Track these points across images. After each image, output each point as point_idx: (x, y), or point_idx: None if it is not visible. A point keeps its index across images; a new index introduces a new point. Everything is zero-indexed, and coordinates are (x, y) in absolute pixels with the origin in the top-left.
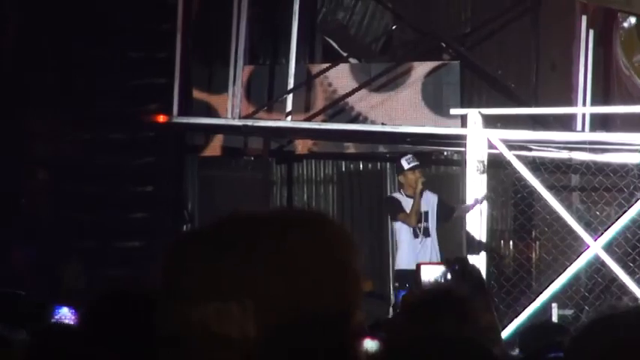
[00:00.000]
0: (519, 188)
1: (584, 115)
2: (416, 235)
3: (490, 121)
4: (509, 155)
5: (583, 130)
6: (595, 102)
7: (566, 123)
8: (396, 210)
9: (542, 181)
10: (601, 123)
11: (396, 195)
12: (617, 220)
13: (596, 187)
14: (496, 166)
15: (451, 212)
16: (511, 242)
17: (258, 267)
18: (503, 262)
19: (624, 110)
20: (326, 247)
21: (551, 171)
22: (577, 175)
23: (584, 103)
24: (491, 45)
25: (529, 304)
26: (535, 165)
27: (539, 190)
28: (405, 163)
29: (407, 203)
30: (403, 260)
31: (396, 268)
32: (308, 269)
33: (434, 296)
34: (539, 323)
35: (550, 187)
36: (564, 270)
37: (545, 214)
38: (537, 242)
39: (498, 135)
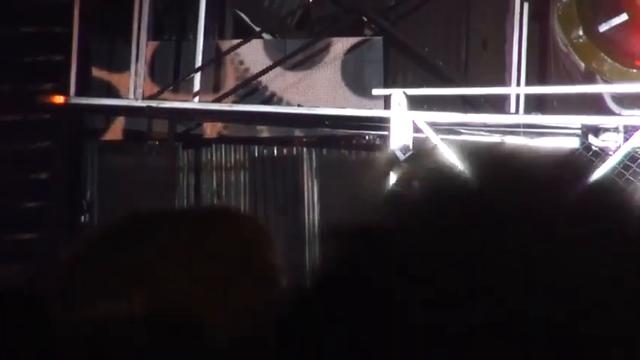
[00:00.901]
0: None
1: (518, 96)
2: None
3: (416, 103)
4: (437, 139)
5: (517, 112)
6: (530, 82)
7: (498, 104)
8: None
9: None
10: (537, 104)
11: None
12: None
13: None
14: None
15: None
16: None
17: (160, 265)
18: None
19: (562, 90)
20: (236, 244)
21: None
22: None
23: (518, 83)
24: (418, 20)
25: None
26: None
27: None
28: (399, 154)
29: None
30: None
31: None
32: (216, 268)
33: None
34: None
35: None
36: None
37: None
38: None
39: (425, 117)
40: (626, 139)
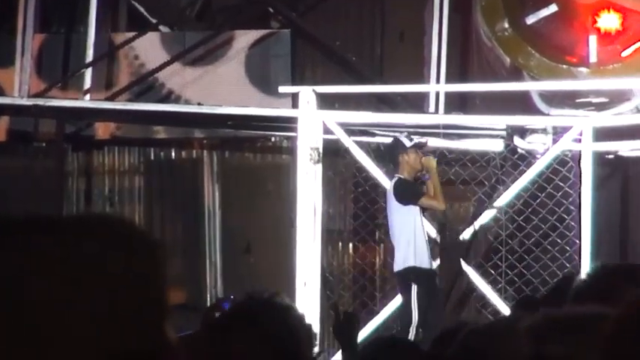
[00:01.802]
0: (360, 181)
1: (437, 94)
2: (423, 227)
3: (326, 101)
4: (349, 141)
5: (436, 111)
6: (451, 78)
7: (416, 103)
8: (416, 193)
9: (387, 173)
10: (458, 103)
11: (403, 178)
12: (475, 218)
13: (452, 180)
14: (333, 154)
15: None
16: (350, 245)
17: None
18: (341, 269)
19: (485, 88)
20: (125, 260)
21: None
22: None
23: (437, 80)
24: (328, 11)
25: (371, 319)
26: (380, 153)
27: (383, 183)
28: (406, 140)
29: None
30: (410, 257)
31: (397, 269)
32: (101, 286)
33: None
34: (386, 340)
35: None
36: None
37: None
38: (382, 245)
39: (336, 117)
40: (554, 141)
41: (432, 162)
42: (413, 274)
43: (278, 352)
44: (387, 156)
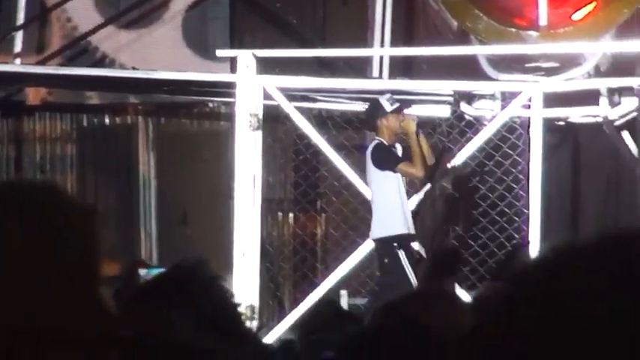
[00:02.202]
0: (301, 148)
1: (381, 59)
2: (401, 193)
3: (267, 66)
4: (289, 107)
5: (381, 76)
6: (396, 42)
7: (360, 68)
8: (394, 159)
9: (329, 140)
10: (403, 68)
11: (381, 143)
12: (422, 187)
13: None
14: (273, 120)
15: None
16: (291, 215)
17: None
18: (281, 240)
19: (431, 52)
20: (56, 228)
21: (342, 127)
22: (372, 132)
23: (381, 44)
24: None
25: (312, 291)
26: (321, 119)
27: (325, 150)
28: (386, 104)
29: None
30: (390, 225)
31: (381, 235)
32: (30, 256)
33: None
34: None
35: (340, 147)
36: (356, 249)
37: (333, 180)
38: (323, 215)
39: (276, 82)
40: (503, 107)
41: (412, 125)
42: (400, 241)
43: (202, 321)
44: (366, 118)
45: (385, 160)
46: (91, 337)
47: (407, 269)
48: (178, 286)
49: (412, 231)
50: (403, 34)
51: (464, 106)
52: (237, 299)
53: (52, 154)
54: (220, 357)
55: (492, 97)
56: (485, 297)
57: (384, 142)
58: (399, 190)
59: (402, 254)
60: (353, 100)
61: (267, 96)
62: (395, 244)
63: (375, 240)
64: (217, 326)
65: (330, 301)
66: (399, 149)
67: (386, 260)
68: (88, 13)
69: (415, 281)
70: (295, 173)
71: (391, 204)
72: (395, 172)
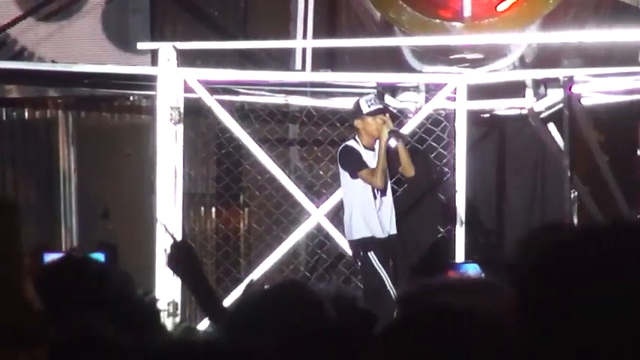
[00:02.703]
0: (224, 142)
1: (304, 51)
2: (374, 195)
3: (188, 59)
4: (211, 100)
5: (303, 69)
6: (318, 34)
7: (282, 60)
8: (356, 164)
9: (252, 133)
10: (326, 60)
11: (352, 144)
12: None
13: (320, 141)
14: (195, 114)
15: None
16: (213, 209)
17: None
18: (204, 234)
19: (354, 44)
20: None
21: (264, 120)
22: (296, 125)
23: (304, 36)
24: None
25: (236, 287)
26: (244, 113)
27: (247, 144)
28: (364, 105)
29: (367, 156)
30: (360, 227)
31: (349, 238)
32: None
33: None
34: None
35: (262, 141)
36: (280, 244)
37: (256, 174)
38: (246, 209)
39: (197, 75)
40: (427, 100)
41: (384, 132)
42: (369, 243)
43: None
44: (348, 118)
45: (349, 163)
46: (17, 333)
47: (380, 271)
48: (73, 273)
49: (388, 232)
50: (326, 25)
51: (388, 99)
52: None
53: None
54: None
55: (416, 89)
56: (411, 293)
57: (359, 143)
58: (365, 191)
59: (372, 256)
60: (275, 92)
61: (188, 89)
62: (362, 247)
63: (348, 241)
64: (119, 315)
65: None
66: (362, 152)
67: (358, 263)
68: (7, 5)
69: (390, 283)
70: (217, 167)
71: (358, 205)
72: (355, 177)
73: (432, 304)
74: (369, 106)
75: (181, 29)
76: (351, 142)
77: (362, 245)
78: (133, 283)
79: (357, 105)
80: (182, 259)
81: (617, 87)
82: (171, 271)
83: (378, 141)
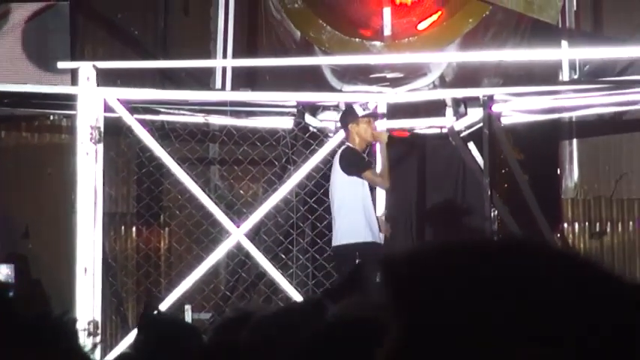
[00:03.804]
0: (144, 161)
1: (224, 70)
2: (373, 200)
3: (109, 78)
4: (131, 120)
5: (223, 88)
6: (238, 53)
7: (203, 80)
8: (362, 165)
9: (172, 152)
10: (246, 79)
11: (351, 147)
12: (265, 200)
13: (240, 160)
14: (115, 133)
15: None
16: (134, 229)
17: None
18: (124, 254)
19: (273, 63)
20: None
21: (184, 139)
22: (216, 144)
23: (224, 55)
24: None
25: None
26: (164, 132)
27: (168, 163)
28: (359, 109)
29: None
30: (362, 231)
31: (342, 242)
32: None
33: None
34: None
35: (183, 160)
36: (200, 263)
37: (177, 194)
38: (167, 228)
39: (117, 94)
40: None
41: (384, 136)
42: (362, 249)
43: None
44: (340, 124)
45: (354, 163)
46: None
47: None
48: None
49: (377, 239)
50: (246, 45)
51: (308, 118)
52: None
53: None
54: None
55: (337, 108)
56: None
57: (355, 147)
58: (362, 197)
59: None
60: (195, 111)
61: (109, 108)
62: (356, 253)
63: (335, 247)
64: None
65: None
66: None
67: (343, 269)
68: None
69: None
70: (138, 186)
71: (354, 211)
72: (361, 177)
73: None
74: (363, 110)
75: (102, 48)
76: (347, 146)
77: (354, 250)
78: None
79: (351, 109)
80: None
81: (537, 106)
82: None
83: (378, 144)
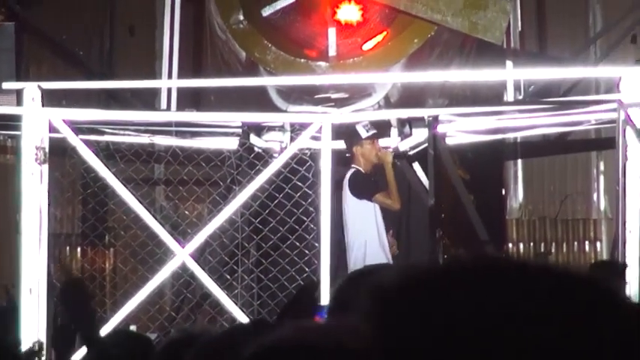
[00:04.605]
0: (89, 181)
1: (169, 90)
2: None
3: (54, 98)
4: (76, 140)
5: (168, 108)
6: (184, 74)
7: (148, 100)
8: (371, 188)
9: (117, 173)
10: (192, 100)
11: (358, 170)
12: (210, 220)
13: (185, 180)
14: (61, 153)
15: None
16: (79, 249)
17: None
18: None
19: (218, 84)
20: None
21: (129, 160)
22: (161, 164)
23: (169, 76)
24: (55, 3)
25: (102, 326)
26: (109, 152)
27: (113, 183)
28: (362, 130)
29: None
30: (377, 255)
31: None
32: None
33: None
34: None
35: (128, 180)
36: (145, 284)
37: (122, 214)
38: (112, 249)
39: (62, 115)
40: (292, 139)
41: (389, 157)
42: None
43: None
44: (346, 146)
45: (363, 188)
46: None
47: None
48: None
49: (390, 260)
50: (191, 65)
51: (253, 138)
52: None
53: None
54: None
55: (282, 128)
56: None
57: (361, 170)
58: (375, 220)
59: None
60: (141, 132)
61: (54, 129)
62: None
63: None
64: None
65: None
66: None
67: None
68: None
69: None
70: (83, 207)
71: (368, 234)
72: (372, 201)
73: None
74: (367, 131)
75: (47, 69)
76: (355, 170)
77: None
78: None
79: (355, 131)
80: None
81: (482, 126)
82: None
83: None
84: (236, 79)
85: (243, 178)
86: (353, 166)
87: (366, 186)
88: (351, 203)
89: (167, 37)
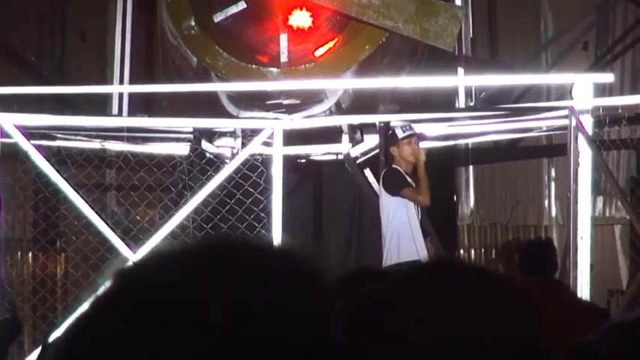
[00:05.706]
0: (40, 186)
1: (121, 96)
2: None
3: (5, 103)
4: (28, 145)
5: (120, 114)
6: (136, 79)
7: (100, 105)
8: (401, 183)
9: (69, 178)
10: (143, 105)
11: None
12: (162, 226)
13: (137, 186)
14: (12, 158)
15: None
16: (30, 254)
17: None
18: (20, 279)
19: (169, 89)
20: None
21: (81, 165)
22: (113, 170)
23: (121, 81)
24: (6, 9)
25: (52, 332)
26: (61, 157)
27: (64, 189)
28: (399, 131)
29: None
30: (410, 250)
31: (392, 263)
32: None
33: None
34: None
35: (79, 185)
36: (97, 289)
37: (73, 219)
38: (63, 254)
39: (13, 120)
40: (244, 145)
41: (422, 155)
42: None
43: None
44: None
45: (394, 183)
46: None
47: None
48: None
49: (420, 257)
50: (143, 70)
51: (204, 144)
52: None
53: None
54: None
55: (233, 134)
56: None
57: (398, 168)
58: (407, 216)
59: None
60: (92, 137)
61: (5, 133)
62: None
63: (385, 268)
64: None
65: None
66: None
67: None
68: None
69: None
70: (34, 212)
71: (401, 230)
72: (399, 196)
73: None
74: (403, 132)
75: None
76: (391, 167)
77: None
78: None
79: (392, 133)
80: None
81: (433, 132)
82: None
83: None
84: (188, 85)
85: (195, 183)
86: (393, 166)
87: (396, 181)
88: (385, 198)
89: (119, 42)
